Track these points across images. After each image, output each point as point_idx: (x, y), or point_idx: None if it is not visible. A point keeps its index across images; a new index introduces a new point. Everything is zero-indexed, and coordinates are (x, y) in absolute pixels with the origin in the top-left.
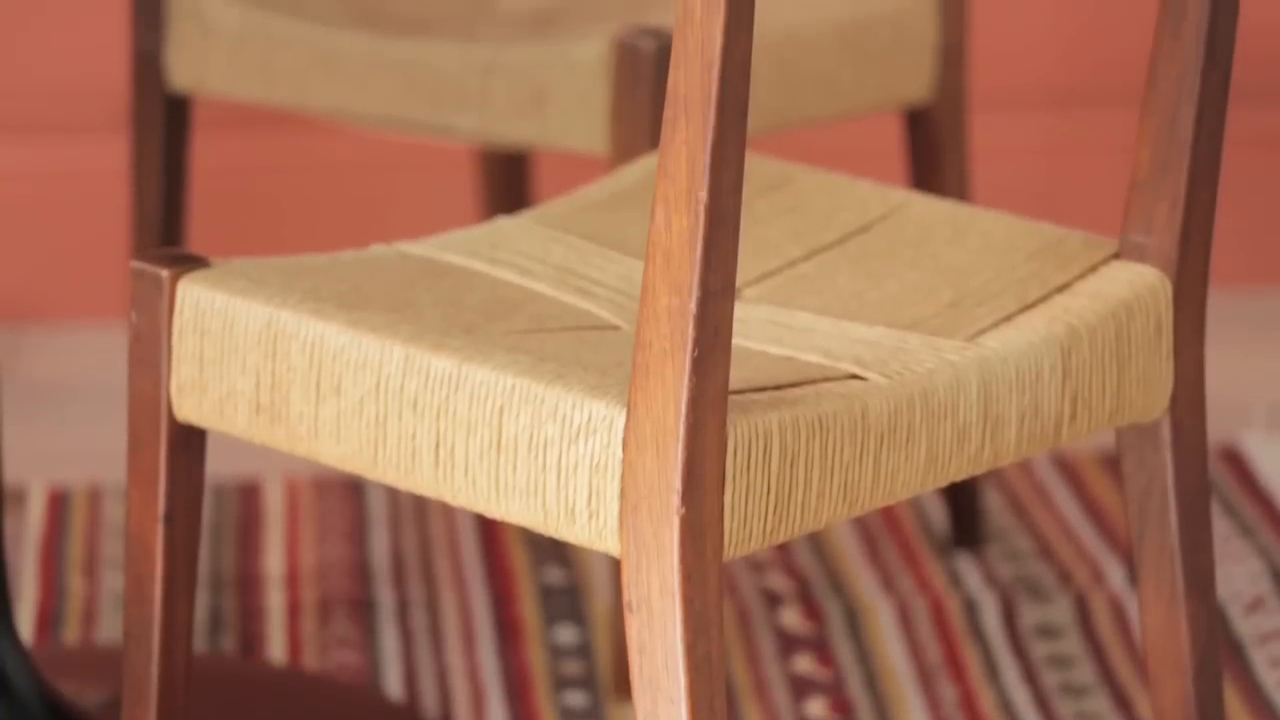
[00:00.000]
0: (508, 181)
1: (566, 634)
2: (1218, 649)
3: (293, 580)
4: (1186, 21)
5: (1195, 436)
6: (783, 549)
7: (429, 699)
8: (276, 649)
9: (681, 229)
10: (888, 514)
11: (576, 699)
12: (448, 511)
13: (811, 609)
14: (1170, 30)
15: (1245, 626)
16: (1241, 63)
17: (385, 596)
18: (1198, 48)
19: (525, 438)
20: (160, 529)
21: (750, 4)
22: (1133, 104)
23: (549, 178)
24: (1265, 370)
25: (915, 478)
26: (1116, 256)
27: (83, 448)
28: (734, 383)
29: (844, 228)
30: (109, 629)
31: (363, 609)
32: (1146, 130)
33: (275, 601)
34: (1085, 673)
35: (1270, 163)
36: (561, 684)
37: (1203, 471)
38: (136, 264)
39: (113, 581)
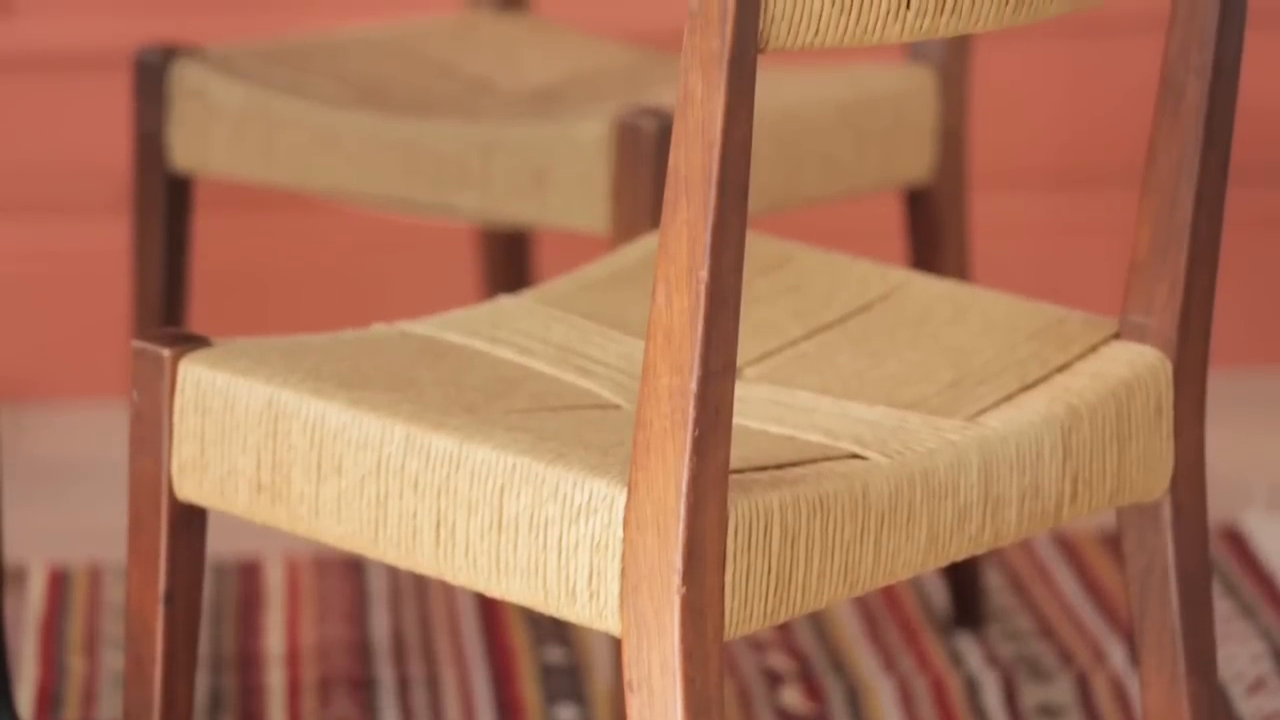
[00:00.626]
0: (509, 260)
1: (567, 713)
2: None
3: (293, 659)
4: (1185, 103)
5: (1196, 516)
6: (784, 628)
7: None
8: None
9: (682, 308)
10: (888, 593)
11: None
12: (448, 590)
13: (813, 688)
14: (1169, 112)
15: (1247, 708)
16: (1240, 143)
17: (386, 675)
18: (1197, 129)
19: (526, 517)
20: (161, 609)
21: (751, 85)
22: (1132, 184)
23: (550, 257)
24: (1266, 450)
25: (916, 557)
26: (1117, 336)
27: (83, 527)
28: (735, 462)
29: (845, 307)
30: (109, 709)
31: (363, 688)
32: (1146, 211)
33: (276, 680)
34: None
35: (1269, 243)
36: None
37: (1204, 552)
38: (138, 344)
39: (113, 661)
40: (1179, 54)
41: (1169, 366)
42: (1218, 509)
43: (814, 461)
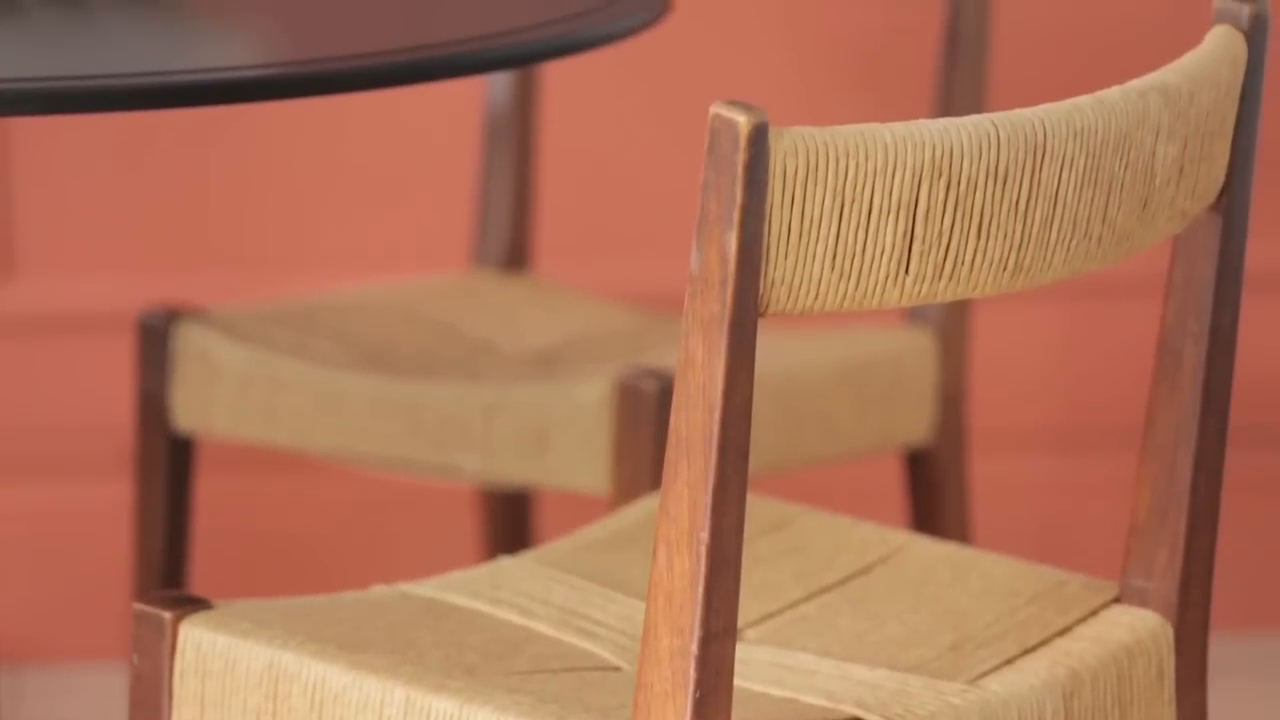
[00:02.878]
0: (510, 521)
1: None
2: None
3: None
4: (1183, 369)
5: None
6: None
7: None
8: None
9: (683, 570)
10: None
11: None
12: None
13: None
14: (1167, 377)
15: None
16: (1238, 407)
17: None
18: (1195, 395)
19: None
20: None
21: (751, 349)
22: (1131, 447)
23: (551, 517)
24: (1267, 715)
25: None
26: (1117, 600)
27: None
28: None
29: (845, 569)
30: None
31: None
32: (1145, 475)
33: None
34: None
35: (1269, 506)
36: None
37: None
38: (138, 606)
39: None
40: (1176, 320)
41: (1170, 631)
42: None
43: None
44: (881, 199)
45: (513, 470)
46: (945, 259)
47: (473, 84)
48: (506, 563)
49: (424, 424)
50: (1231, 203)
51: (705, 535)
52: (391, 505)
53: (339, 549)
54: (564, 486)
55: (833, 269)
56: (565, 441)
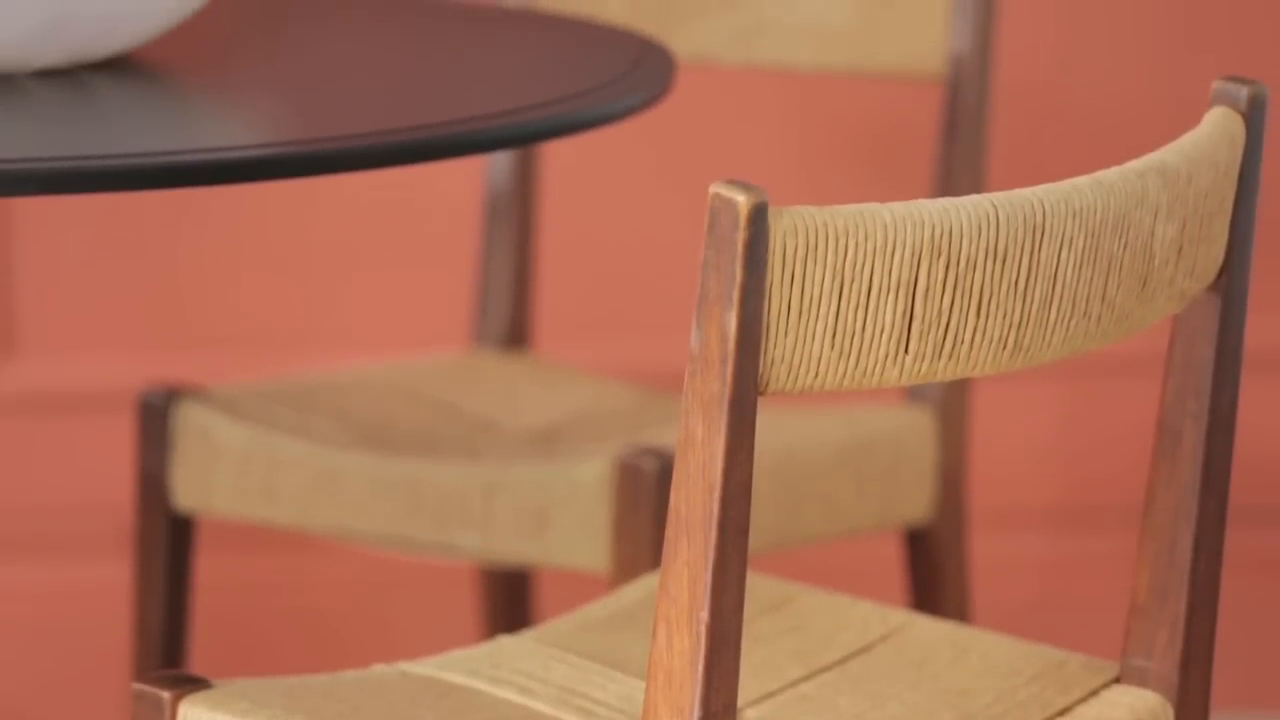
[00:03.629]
0: (509, 599)
1: None
2: None
3: None
4: (1182, 448)
5: None
6: None
7: None
8: None
9: (683, 649)
10: None
11: None
12: None
13: None
14: (1167, 456)
15: None
16: (1237, 487)
17: None
18: (1194, 474)
19: None
20: None
21: (751, 427)
22: (1132, 525)
23: (551, 595)
24: None
25: None
26: (1117, 680)
27: None
28: None
29: (845, 648)
30: None
31: None
32: (1145, 555)
33: None
34: None
35: (1269, 586)
36: None
37: None
38: (138, 686)
39: None
40: (1176, 399)
41: (1171, 711)
42: None
43: None
44: (881, 278)
45: (513, 549)
46: (945, 338)
47: (473, 162)
48: (506, 641)
49: (424, 502)
50: (1230, 283)
51: (705, 614)
52: (392, 583)
53: (339, 627)
54: (564, 565)
55: (832, 348)
56: (565, 520)
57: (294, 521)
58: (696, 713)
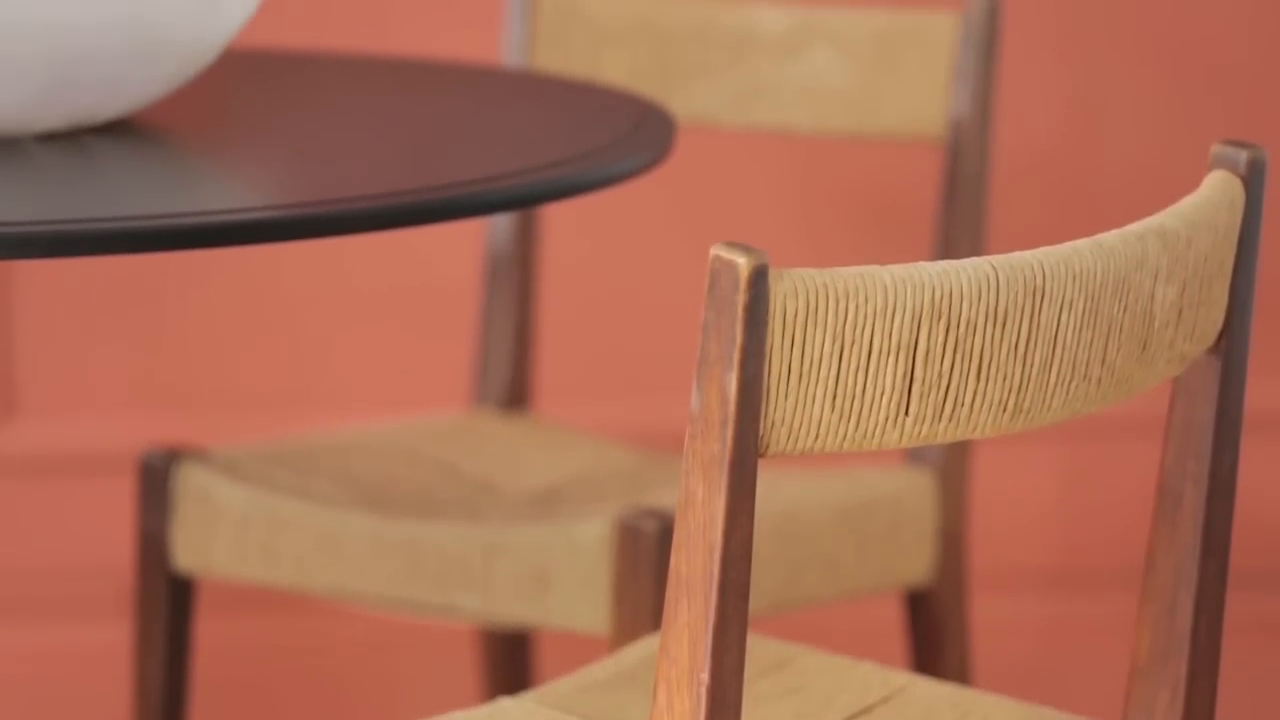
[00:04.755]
0: (510, 661)
1: None
2: None
3: None
4: (1183, 511)
5: None
6: None
7: None
8: None
9: (683, 711)
10: None
11: None
12: None
13: None
14: (1167, 518)
15: None
16: (1238, 549)
17: None
18: (1195, 537)
19: None
20: None
21: (752, 489)
22: (1131, 587)
23: (551, 657)
24: None
25: None
26: None
27: None
28: None
29: (846, 709)
30: None
31: None
32: (1145, 617)
33: None
34: None
35: (1269, 649)
36: None
37: None
38: None
39: None
40: (1176, 462)
41: None
42: None
43: None
44: (881, 340)
45: (513, 610)
46: (945, 400)
47: (474, 224)
48: (506, 703)
49: (424, 564)
50: (1230, 346)
51: (706, 676)
52: (392, 645)
53: (339, 689)
54: (564, 626)
55: (833, 410)
56: (565, 581)
57: (294, 583)
58: None
